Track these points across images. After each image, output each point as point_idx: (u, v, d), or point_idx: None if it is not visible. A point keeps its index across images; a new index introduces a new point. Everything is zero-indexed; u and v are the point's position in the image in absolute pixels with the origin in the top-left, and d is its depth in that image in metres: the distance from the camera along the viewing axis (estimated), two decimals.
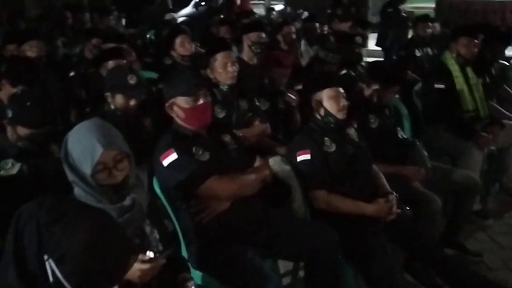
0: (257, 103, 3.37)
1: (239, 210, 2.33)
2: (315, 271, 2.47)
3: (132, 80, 2.85)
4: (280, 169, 2.93)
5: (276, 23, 6.03)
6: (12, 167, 2.38)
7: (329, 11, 7.31)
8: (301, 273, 2.75)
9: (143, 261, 1.67)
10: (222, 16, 7.30)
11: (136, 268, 1.65)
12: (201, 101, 2.35)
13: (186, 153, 2.28)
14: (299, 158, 2.63)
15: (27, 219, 1.22)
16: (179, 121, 2.39)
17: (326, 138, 2.66)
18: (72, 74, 4.47)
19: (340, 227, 2.45)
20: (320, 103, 2.70)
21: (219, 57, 3.11)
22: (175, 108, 2.36)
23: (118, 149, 1.76)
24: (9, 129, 2.39)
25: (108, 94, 2.87)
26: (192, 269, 2.31)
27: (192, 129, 2.38)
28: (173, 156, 2.26)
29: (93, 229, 1.27)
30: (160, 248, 1.87)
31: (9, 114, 2.35)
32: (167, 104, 2.37)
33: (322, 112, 2.70)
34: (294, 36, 5.01)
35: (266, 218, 2.44)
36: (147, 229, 1.91)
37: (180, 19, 10.35)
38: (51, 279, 1.21)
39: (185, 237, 2.36)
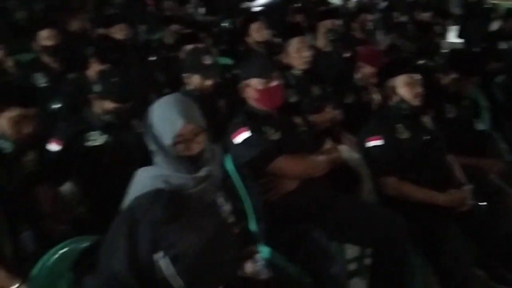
0: (329, 90, 3.38)
1: (307, 190, 2.37)
2: (381, 258, 2.45)
3: (207, 61, 2.96)
4: (349, 157, 2.95)
5: (352, 11, 5.96)
6: (99, 138, 2.57)
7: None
8: (367, 261, 2.77)
9: None
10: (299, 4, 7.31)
11: None
12: (273, 83, 2.41)
13: (257, 131, 2.35)
14: (370, 144, 2.62)
15: (142, 215, 1.36)
16: (251, 102, 2.46)
17: (399, 125, 2.62)
18: (152, 58, 4.69)
19: (410, 216, 2.42)
20: (394, 89, 2.66)
21: (294, 42, 3.14)
22: (248, 89, 2.44)
23: (197, 123, 1.85)
24: (96, 103, 2.56)
25: (185, 75, 3.00)
26: (261, 244, 2.39)
27: (264, 109, 2.44)
28: (246, 134, 2.33)
29: (208, 231, 1.37)
30: (232, 219, 1.95)
31: (98, 88, 2.52)
32: (241, 85, 2.45)
33: (396, 98, 2.67)
34: (370, 25, 4.95)
35: (333, 202, 2.46)
36: (220, 200, 2.00)
37: (256, 8, 10.46)
38: (159, 274, 1.32)
39: (255, 213, 2.43)
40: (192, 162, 1.88)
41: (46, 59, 3.72)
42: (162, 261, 1.32)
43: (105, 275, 1.39)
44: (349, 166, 2.96)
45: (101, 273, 1.41)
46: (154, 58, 4.71)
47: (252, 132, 2.33)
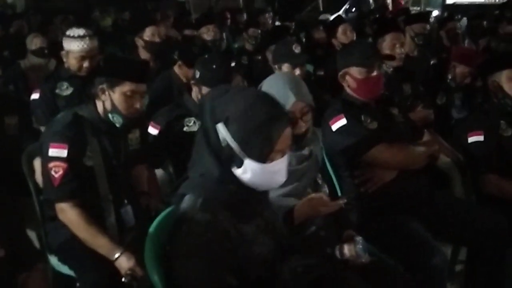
0: (421, 89, 3.31)
1: (405, 182, 2.30)
2: (478, 258, 2.34)
3: (296, 49, 2.99)
4: (440, 160, 2.85)
5: (441, 18, 5.83)
6: (194, 125, 2.64)
7: (496, 12, 6.85)
8: (458, 267, 2.65)
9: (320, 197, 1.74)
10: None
11: (312, 201, 1.74)
12: (374, 73, 2.35)
13: (355, 119, 2.31)
14: (471, 139, 2.52)
15: (205, 97, 1.41)
16: (349, 91, 2.42)
17: (502, 121, 2.51)
18: (233, 64, 4.81)
19: (510, 215, 2.30)
20: (498, 85, 2.56)
21: (388, 38, 3.10)
22: (347, 77, 2.39)
23: (307, 102, 1.87)
24: (194, 89, 2.64)
25: (275, 66, 3.03)
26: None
27: (361, 99, 2.41)
28: (343, 121, 2.30)
29: (251, 94, 1.40)
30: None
31: (197, 74, 2.60)
32: (340, 73, 2.41)
33: (499, 94, 2.55)
34: (458, 32, 4.82)
35: (431, 197, 2.38)
36: (319, 182, 1.99)
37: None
38: (223, 143, 1.36)
39: (346, 203, 2.39)
40: (297, 140, 1.89)
41: (145, 55, 3.89)
42: (218, 129, 1.38)
43: None
44: (438, 168, 2.88)
45: None
46: (234, 63, 4.84)
47: (349, 119, 2.30)
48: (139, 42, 3.92)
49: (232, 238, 1.39)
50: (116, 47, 5.85)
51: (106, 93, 2.10)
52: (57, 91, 2.99)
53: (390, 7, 11.84)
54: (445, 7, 11.05)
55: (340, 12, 13.21)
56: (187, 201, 1.43)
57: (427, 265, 2.03)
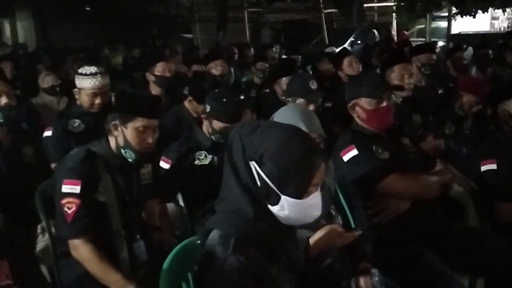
0: (430, 119, 3.31)
1: (419, 212, 2.28)
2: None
3: (313, 86, 3.01)
4: (453, 189, 2.83)
5: (447, 48, 5.88)
6: (205, 158, 2.66)
7: (500, 41, 6.92)
8: None
9: (335, 228, 1.73)
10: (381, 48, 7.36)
11: (327, 233, 1.72)
12: (384, 104, 2.36)
13: (366, 149, 2.31)
14: (484, 168, 2.51)
15: (233, 134, 1.40)
16: (359, 121, 2.43)
17: None
18: (242, 97, 4.87)
19: None
20: (508, 113, 2.56)
21: (397, 69, 3.12)
22: (357, 108, 2.41)
23: (318, 133, 1.88)
24: (205, 122, 2.67)
25: (288, 99, 3.05)
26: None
27: (372, 130, 2.41)
28: (354, 152, 2.30)
29: (284, 130, 1.40)
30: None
31: (207, 109, 2.63)
32: (349, 104, 2.43)
33: (510, 122, 2.56)
34: (465, 62, 4.86)
35: (446, 225, 2.35)
36: (333, 213, 1.98)
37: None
38: (258, 183, 1.35)
39: (361, 234, 2.37)
40: None
41: (156, 90, 3.95)
42: (252, 167, 1.37)
43: None
44: (451, 198, 2.86)
45: None
46: (242, 97, 4.91)
47: (360, 150, 2.30)
48: (150, 78, 3.98)
49: (262, 281, 1.38)
50: (126, 84, 5.96)
51: (119, 128, 2.12)
52: (69, 128, 3.02)
53: (395, 38, 11.99)
54: (450, 37, 11.16)
55: (346, 45, 13.45)
56: (215, 237, 1.41)
57: None
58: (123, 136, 2.12)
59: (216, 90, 2.71)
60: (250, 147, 1.39)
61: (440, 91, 4.34)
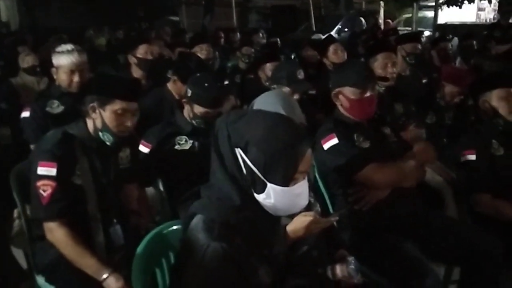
0: (413, 109, 3.32)
1: (398, 200, 2.29)
2: (471, 279, 2.31)
3: (300, 75, 2.98)
4: (433, 179, 2.85)
5: (433, 38, 5.89)
6: (185, 143, 2.63)
7: (485, 32, 6.95)
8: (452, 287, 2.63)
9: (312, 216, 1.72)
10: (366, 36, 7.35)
11: (303, 220, 1.71)
12: (368, 94, 2.34)
13: (347, 138, 2.31)
14: (463, 158, 2.53)
15: (219, 124, 1.38)
16: (342, 110, 2.42)
17: (494, 141, 2.52)
18: (226, 82, 4.85)
19: (506, 236, 2.28)
20: (489, 104, 2.57)
21: (380, 57, 3.11)
22: (340, 96, 2.39)
23: (299, 121, 1.86)
24: (186, 107, 2.63)
25: (273, 86, 3.03)
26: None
27: (354, 118, 2.41)
28: (334, 140, 2.29)
29: (269, 117, 1.38)
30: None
31: (188, 93, 2.59)
32: (333, 92, 2.41)
33: (491, 113, 2.57)
34: (449, 52, 4.87)
35: (425, 215, 2.36)
36: (312, 200, 1.97)
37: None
38: (244, 170, 1.33)
39: (339, 222, 2.37)
40: None
41: (137, 73, 3.89)
42: (238, 154, 1.35)
43: None
44: (431, 188, 2.88)
45: None
46: (227, 82, 4.87)
47: (341, 138, 2.29)
48: (132, 60, 3.92)
49: (244, 269, 1.37)
50: (109, 66, 5.87)
51: (97, 111, 2.08)
52: (47, 109, 2.97)
53: (382, 27, 11.99)
54: (436, 27, 11.20)
55: (333, 32, 13.41)
56: (199, 222, 1.39)
57: (421, 287, 2.00)
58: (101, 118, 2.08)
59: (198, 75, 2.67)
60: (235, 134, 1.38)
61: (424, 81, 4.35)
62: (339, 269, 1.87)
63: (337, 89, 2.39)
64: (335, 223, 2.34)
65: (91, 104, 2.09)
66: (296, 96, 3.03)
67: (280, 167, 1.34)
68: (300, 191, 1.40)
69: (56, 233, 2.00)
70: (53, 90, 3.08)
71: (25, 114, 2.98)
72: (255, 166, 1.34)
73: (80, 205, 2.06)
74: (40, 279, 2.15)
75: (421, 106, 3.48)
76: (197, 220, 1.39)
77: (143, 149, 2.62)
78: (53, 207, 2.00)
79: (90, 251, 1.99)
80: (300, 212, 1.83)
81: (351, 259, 1.89)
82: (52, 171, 2.00)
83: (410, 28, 12.62)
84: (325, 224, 1.77)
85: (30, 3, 16.10)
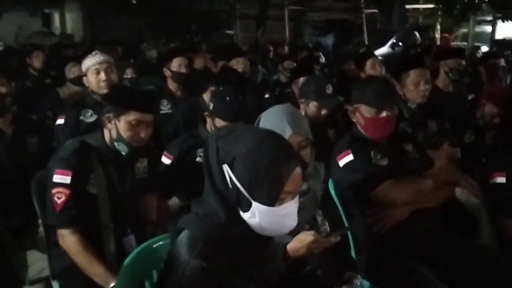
0: (447, 126, 3.18)
1: (418, 221, 2.19)
2: None
3: (329, 90, 2.94)
4: (467, 201, 2.70)
5: (483, 54, 5.65)
6: None
7: None
8: None
9: (312, 235, 1.67)
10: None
11: (303, 239, 1.67)
12: (383, 114, 2.26)
13: (363, 155, 2.24)
14: (495, 180, 2.39)
15: (210, 138, 1.37)
16: (359, 127, 2.36)
17: None
18: (267, 96, 4.85)
19: None
20: None
21: (413, 74, 3.00)
22: (357, 113, 2.34)
23: (305, 136, 1.82)
24: (208, 120, 2.64)
25: (301, 100, 2.99)
26: (359, 278, 2.24)
27: (370, 137, 2.33)
28: (349, 157, 2.23)
29: (258, 133, 1.35)
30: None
31: (210, 106, 2.60)
32: (350, 108, 2.36)
33: None
34: (499, 70, 4.65)
35: (447, 240, 2.24)
36: (319, 219, 1.92)
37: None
38: (230, 185, 1.31)
39: (355, 242, 2.30)
40: None
41: (173, 86, 3.97)
42: (224, 170, 1.33)
43: None
44: (466, 210, 2.73)
45: None
46: (268, 95, 4.88)
47: (357, 155, 2.22)
48: (167, 73, 4.00)
49: None
50: (156, 77, 6.03)
51: (112, 121, 2.13)
52: (81, 117, 3.07)
53: (438, 42, 11.66)
54: (494, 42, 10.73)
55: (387, 46, 13.16)
56: (184, 238, 1.38)
57: None
58: (116, 129, 2.13)
59: (221, 88, 2.68)
60: (223, 150, 1.35)
61: (470, 97, 4.17)
62: None
63: (354, 106, 2.33)
64: (351, 244, 2.28)
65: (107, 115, 2.14)
66: (324, 112, 2.98)
67: (265, 185, 1.30)
68: (287, 211, 1.35)
69: (67, 240, 2.05)
70: (88, 99, 3.18)
71: (60, 121, 3.09)
72: (240, 184, 1.31)
73: (94, 214, 2.11)
74: (55, 284, 2.21)
75: (459, 124, 3.33)
76: (183, 236, 1.38)
77: (165, 160, 2.65)
78: (66, 214, 2.05)
79: (99, 259, 2.02)
80: (306, 230, 1.79)
81: (357, 281, 1.82)
82: (67, 179, 2.06)
83: (466, 43, 12.18)
84: (326, 244, 1.72)
85: (93, 16, 16.90)
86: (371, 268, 2.22)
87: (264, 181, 1.30)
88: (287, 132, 1.78)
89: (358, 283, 1.82)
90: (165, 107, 3.87)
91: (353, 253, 2.28)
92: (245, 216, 1.34)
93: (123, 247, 2.18)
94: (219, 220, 1.35)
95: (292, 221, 1.38)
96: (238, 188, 1.32)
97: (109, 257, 2.09)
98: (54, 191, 2.06)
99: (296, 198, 1.38)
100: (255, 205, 1.32)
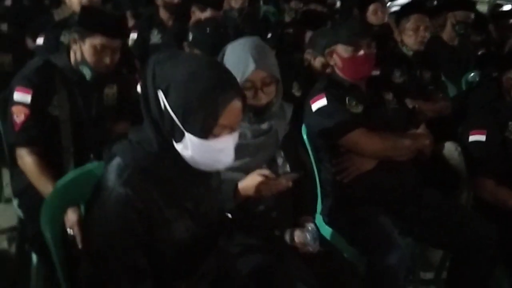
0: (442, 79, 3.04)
1: (387, 173, 2.12)
2: (462, 267, 2.14)
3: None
4: (452, 157, 2.63)
5: (496, 13, 5.36)
6: None
7: None
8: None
9: (264, 175, 1.62)
10: None
11: (254, 179, 1.62)
12: (361, 52, 2.16)
13: (337, 101, 2.14)
14: (472, 138, 2.28)
15: (149, 62, 1.29)
16: (336, 70, 2.26)
17: (510, 122, 2.25)
18: (269, 35, 4.65)
19: (504, 225, 2.07)
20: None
21: (413, 19, 2.83)
22: (334, 55, 2.23)
23: (269, 72, 1.72)
24: (188, 51, 2.54)
25: (310, 51, 2.85)
26: (323, 224, 2.21)
27: (348, 80, 2.22)
28: (323, 101, 2.13)
29: (197, 60, 1.27)
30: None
31: (190, 37, 2.50)
32: (326, 51, 2.25)
33: None
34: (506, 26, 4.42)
35: (419, 193, 2.19)
36: (280, 161, 1.85)
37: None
38: (164, 113, 1.25)
39: (322, 189, 2.25)
40: (256, 113, 1.76)
41: (164, 15, 3.82)
42: (159, 96, 1.25)
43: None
44: (450, 165, 2.66)
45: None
46: (270, 35, 4.68)
47: (330, 100, 2.13)
48: (159, 1, 3.84)
49: (151, 219, 1.29)
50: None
51: (78, 43, 2.03)
52: (61, 38, 2.96)
53: None
54: None
55: None
56: (115, 165, 1.32)
57: (383, 262, 1.87)
58: (81, 51, 2.03)
59: (202, 19, 2.57)
60: (160, 76, 1.27)
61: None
62: (296, 235, 1.78)
63: (330, 48, 2.22)
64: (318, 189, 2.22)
65: (73, 36, 2.04)
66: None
67: (198, 115, 1.22)
68: (222, 146, 1.28)
69: (24, 159, 2.00)
70: (71, 21, 3.05)
71: (39, 41, 2.99)
72: (173, 112, 1.24)
73: (54, 136, 2.05)
74: (15, 201, 2.21)
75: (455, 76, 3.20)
76: (114, 162, 1.32)
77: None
78: (24, 134, 1.99)
79: (54, 181, 1.98)
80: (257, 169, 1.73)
81: (310, 226, 1.79)
82: (27, 98, 1.99)
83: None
84: (276, 187, 1.66)
85: None
86: (335, 215, 2.19)
87: (198, 111, 1.22)
88: (250, 67, 1.68)
89: (310, 228, 1.79)
90: (155, 37, 3.74)
91: (319, 201, 2.24)
92: (178, 147, 1.28)
93: None
94: (152, 149, 1.29)
95: (227, 157, 1.31)
96: (171, 117, 1.24)
97: None
98: (13, 109, 2.00)
99: (235, 134, 1.30)
100: (188, 136, 1.25)
